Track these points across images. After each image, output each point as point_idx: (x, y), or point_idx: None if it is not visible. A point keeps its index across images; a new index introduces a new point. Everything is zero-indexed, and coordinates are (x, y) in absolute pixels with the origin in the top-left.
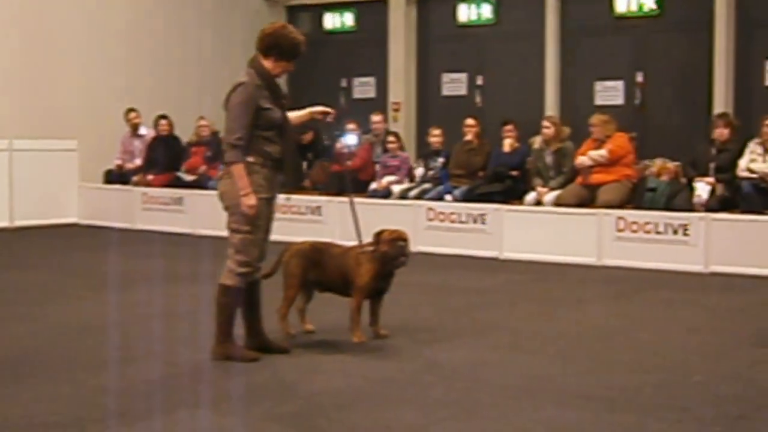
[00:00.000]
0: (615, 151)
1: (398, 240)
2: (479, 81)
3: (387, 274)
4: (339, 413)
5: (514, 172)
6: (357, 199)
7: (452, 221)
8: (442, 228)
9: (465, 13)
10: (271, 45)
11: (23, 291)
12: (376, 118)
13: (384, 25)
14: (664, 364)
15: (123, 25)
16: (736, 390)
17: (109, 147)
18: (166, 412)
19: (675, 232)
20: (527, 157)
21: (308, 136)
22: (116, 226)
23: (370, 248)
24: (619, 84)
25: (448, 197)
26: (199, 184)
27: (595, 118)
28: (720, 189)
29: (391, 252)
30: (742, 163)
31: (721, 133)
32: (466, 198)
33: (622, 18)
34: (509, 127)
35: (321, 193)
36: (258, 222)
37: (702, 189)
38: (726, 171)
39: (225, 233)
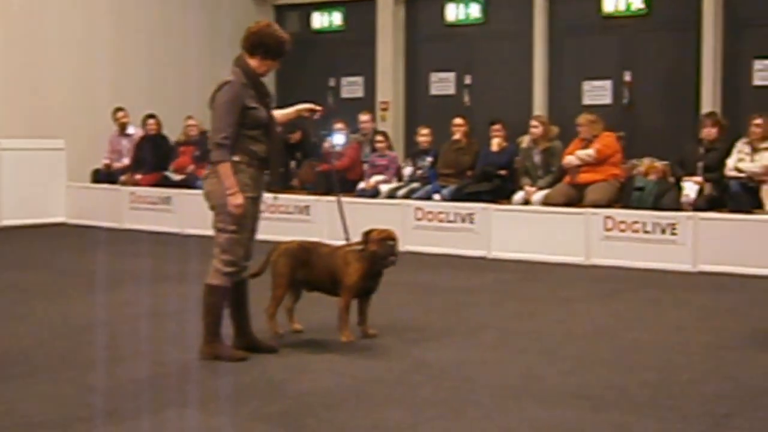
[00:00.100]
0: (602, 150)
1: (387, 239)
2: (467, 80)
3: (375, 274)
4: (327, 413)
5: (503, 172)
6: (345, 199)
7: (440, 221)
8: (430, 227)
9: (453, 13)
10: (257, 44)
11: (10, 290)
12: (364, 117)
13: (372, 24)
14: (651, 362)
15: (110, 25)
16: (722, 388)
17: (97, 146)
18: (154, 412)
19: (663, 231)
20: (515, 157)
21: (296, 136)
22: (104, 225)
23: (359, 247)
24: (607, 83)
25: (436, 197)
26: (187, 184)
27: (582, 118)
28: (708, 188)
29: (380, 251)
30: (730, 162)
31: (709, 132)
32: (455, 197)
33: (610, 17)
34: (497, 126)
35: (309, 193)
36: (244, 221)
37: (690, 188)
38: (714, 170)
39: (213, 233)
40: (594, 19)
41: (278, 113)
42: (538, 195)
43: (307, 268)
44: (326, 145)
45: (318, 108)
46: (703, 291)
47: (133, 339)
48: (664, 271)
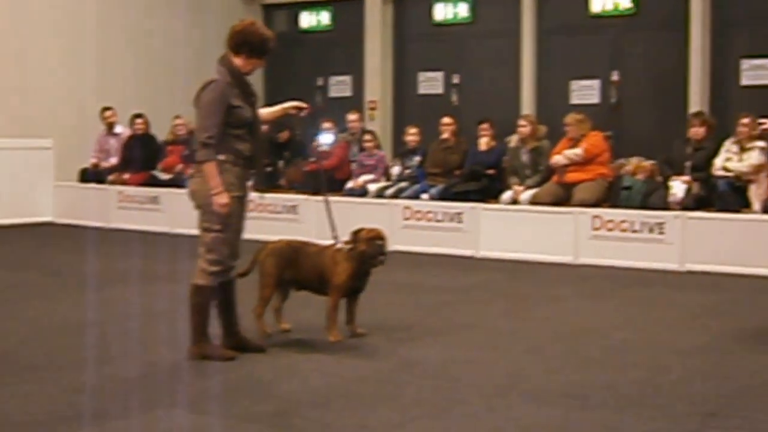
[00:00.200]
0: (590, 149)
1: (376, 239)
2: (455, 80)
3: (364, 273)
4: (315, 412)
5: (491, 171)
6: (333, 198)
7: (429, 220)
8: (418, 227)
9: (441, 12)
10: (241, 42)
11: None
12: (352, 116)
13: (360, 23)
14: (638, 361)
15: (98, 24)
16: (710, 388)
17: (85, 146)
18: (143, 412)
19: (651, 230)
20: (503, 156)
21: (284, 135)
22: (92, 225)
23: (348, 247)
24: (595, 83)
25: (424, 196)
26: (176, 183)
27: (570, 118)
28: (696, 187)
29: (369, 251)
30: (718, 161)
31: (696, 131)
32: (443, 197)
33: (598, 17)
34: (485, 125)
35: (297, 192)
36: (230, 220)
37: (678, 187)
38: (702, 170)
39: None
40: (582, 19)
41: (265, 111)
42: (526, 194)
43: (295, 268)
44: (314, 144)
45: (304, 106)
46: (691, 290)
47: (122, 339)
48: (651, 271)
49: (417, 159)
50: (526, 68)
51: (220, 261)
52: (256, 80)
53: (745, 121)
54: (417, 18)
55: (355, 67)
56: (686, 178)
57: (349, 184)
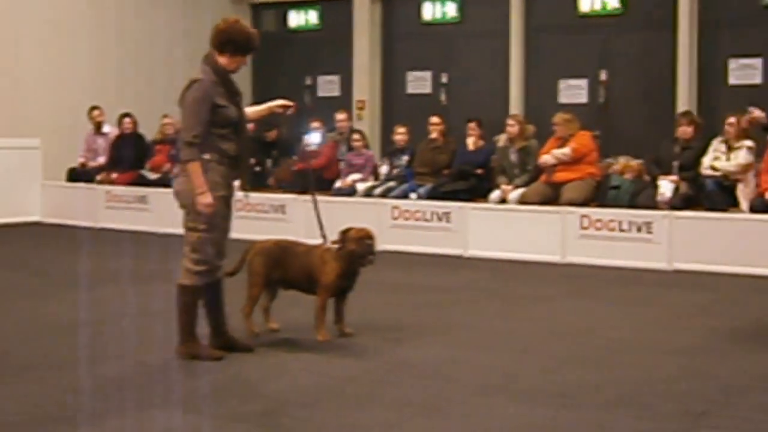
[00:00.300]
0: (578, 149)
1: (365, 238)
2: (444, 79)
3: (352, 273)
4: (304, 412)
5: (479, 170)
6: (321, 198)
7: (417, 219)
8: (407, 226)
9: (430, 11)
10: (225, 41)
11: None
12: (340, 116)
13: (348, 23)
14: (626, 361)
15: (86, 22)
16: (698, 387)
17: (73, 145)
18: (132, 411)
19: (639, 229)
20: (492, 155)
21: (272, 134)
22: (80, 224)
23: (337, 246)
24: (583, 82)
25: (412, 195)
26: (164, 182)
27: (558, 117)
28: (683, 187)
29: (358, 250)
30: (706, 161)
31: (684, 131)
32: (431, 196)
33: (586, 17)
34: (472, 125)
35: (285, 192)
36: (215, 220)
37: (665, 187)
38: (689, 169)
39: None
40: (570, 19)
41: (251, 110)
42: (515, 194)
43: (283, 267)
44: (303, 143)
45: (291, 104)
46: (679, 289)
47: (110, 339)
48: (639, 270)
49: (405, 158)
50: (514, 68)
51: (206, 261)
52: (244, 79)
53: (731, 120)
54: (405, 17)
55: (343, 66)
56: (674, 177)
57: (338, 184)
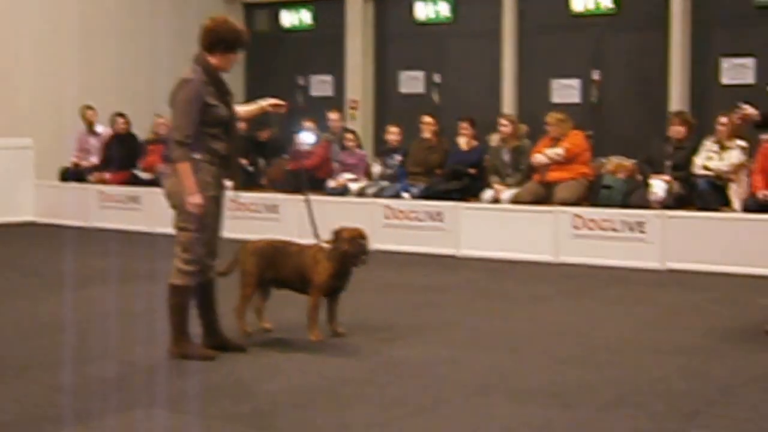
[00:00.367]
0: (571, 149)
1: (358, 238)
2: (437, 79)
3: (345, 273)
4: (296, 412)
5: (472, 170)
6: (314, 197)
7: (410, 219)
8: (399, 226)
9: (423, 11)
10: (216, 40)
11: None
12: (333, 116)
13: (341, 22)
14: (618, 360)
15: (79, 22)
16: (690, 386)
17: (65, 145)
18: (122, 411)
19: (631, 229)
20: (485, 155)
21: (265, 134)
22: (72, 224)
23: (330, 246)
24: (576, 82)
25: (405, 195)
26: (157, 182)
27: (551, 117)
28: (676, 186)
29: (351, 250)
30: (698, 160)
31: (677, 130)
32: (424, 196)
33: (579, 16)
34: (464, 124)
35: (278, 191)
36: (206, 220)
37: (658, 186)
38: (682, 168)
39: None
40: (563, 18)
41: (242, 109)
42: (507, 193)
43: (276, 267)
44: (295, 143)
45: (282, 103)
46: (671, 289)
47: (102, 338)
48: (632, 269)
49: (398, 158)
50: (507, 67)
51: (196, 260)
52: (237, 79)
53: (723, 120)
54: (398, 17)
55: (336, 66)
56: (667, 177)
57: (330, 183)
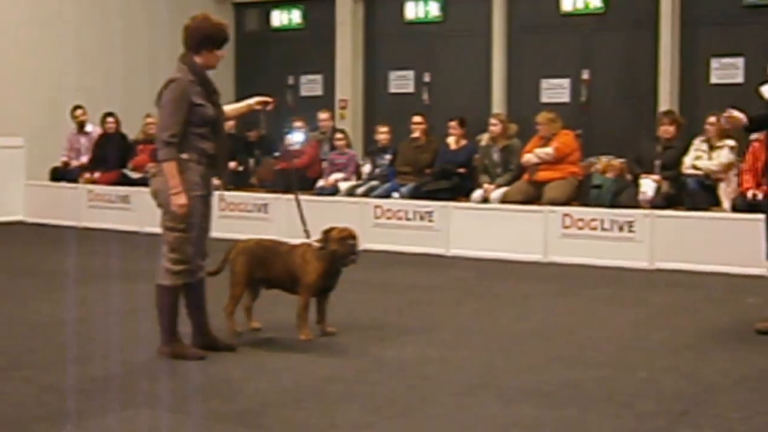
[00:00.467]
0: (561, 148)
1: (348, 238)
2: (426, 78)
3: (334, 272)
4: (286, 411)
5: (461, 170)
6: (304, 197)
7: (399, 218)
8: (389, 225)
9: (412, 11)
10: (201, 39)
11: None
12: (323, 115)
13: (331, 22)
14: (607, 359)
15: (69, 22)
16: (679, 385)
17: (56, 144)
18: (114, 411)
19: (620, 228)
20: (474, 155)
21: (255, 133)
22: (63, 224)
23: (319, 246)
24: (566, 81)
25: (395, 194)
26: (146, 182)
27: (541, 117)
28: (665, 186)
29: (341, 250)
30: (688, 160)
31: (666, 130)
32: (414, 195)
33: (568, 16)
34: (454, 123)
35: (268, 191)
36: (193, 220)
37: (647, 186)
38: (671, 168)
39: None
40: (552, 18)
41: (229, 108)
42: (497, 193)
43: (266, 267)
44: (285, 142)
45: (269, 99)
46: (660, 288)
47: (93, 338)
48: (621, 269)
49: (388, 157)
50: (496, 67)
51: (184, 260)
52: (227, 79)
53: (712, 120)
54: (388, 17)
55: (326, 65)
56: (656, 176)
57: (320, 183)
